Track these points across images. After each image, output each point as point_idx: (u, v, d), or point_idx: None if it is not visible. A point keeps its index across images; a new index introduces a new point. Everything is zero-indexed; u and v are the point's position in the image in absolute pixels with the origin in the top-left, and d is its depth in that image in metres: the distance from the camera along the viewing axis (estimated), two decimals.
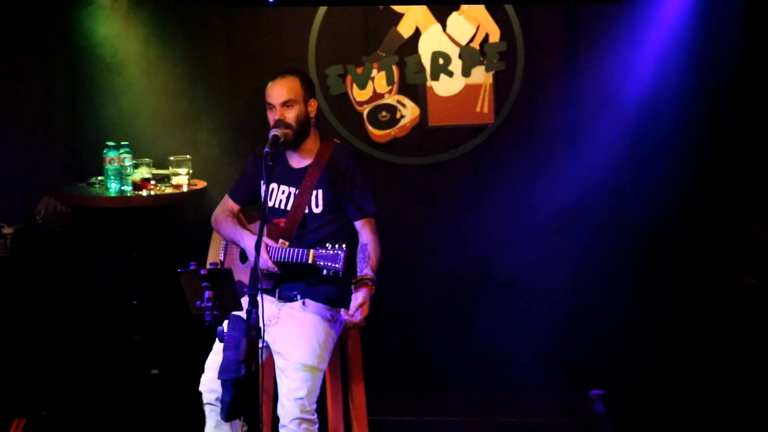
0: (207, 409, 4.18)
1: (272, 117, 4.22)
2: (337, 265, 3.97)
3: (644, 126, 5.31)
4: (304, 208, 4.22)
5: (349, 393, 4.51)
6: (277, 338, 4.16)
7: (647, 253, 5.38)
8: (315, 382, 4.10)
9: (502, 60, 5.37)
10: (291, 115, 4.21)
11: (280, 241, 4.20)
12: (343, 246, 3.97)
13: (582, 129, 5.37)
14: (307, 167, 4.27)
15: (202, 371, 4.20)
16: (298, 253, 4.09)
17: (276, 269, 4.16)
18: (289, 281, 4.22)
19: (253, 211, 4.46)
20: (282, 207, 4.27)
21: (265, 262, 4.10)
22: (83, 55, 5.36)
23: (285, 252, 4.13)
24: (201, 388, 4.18)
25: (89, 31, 5.34)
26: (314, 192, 4.23)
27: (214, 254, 4.53)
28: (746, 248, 5.00)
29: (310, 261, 4.04)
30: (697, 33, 5.21)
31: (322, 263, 4.00)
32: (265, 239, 4.13)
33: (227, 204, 4.45)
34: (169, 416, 5.21)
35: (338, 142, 4.34)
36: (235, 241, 4.37)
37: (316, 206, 4.23)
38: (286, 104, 4.21)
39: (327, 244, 4.01)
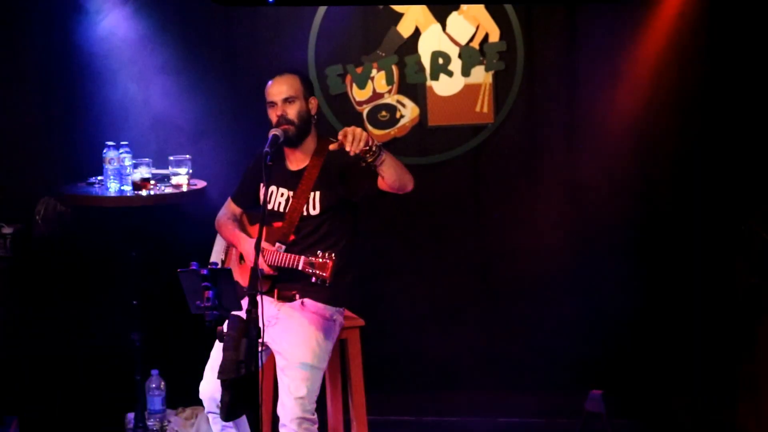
0: (210, 417, 4.19)
1: (274, 115, 4.23)
2: (324, 274, 3.97)
3: (644, 125, 5.31)
4: (301, 211, 4.23)
5: (349, 393, 4.51)
6: (277, 338, 4.16)
7: (647, 253, 5.38)
8: (315, 382, 4.11)
9: (501, 60, 5.37)
10: (293, 111, 4.23)
11: (277, 244, 4.20)
12: (333, 255, 3.97)
13: (581, 129, 5.37)
14: (303, 170, 4.27)
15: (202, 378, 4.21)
16: (290, 259, 4.11)
17: (271, 272, 4.18)
18: (288, 281, 4.22)
19: (257, 213, 4.46)
20: (280, 210, 4.27)
21: (261, 265, 4.10)
22: (83, 55, 5.36)
23: (278, 257, 4.14)
24: (201, 396, 4.19)
25: (89, 31, 5.33)
26: (312, 194, 4.23)
27: (217, 254, 4.55)
28: (746, 248, 5.00)
29: (300, 268, 4.05)
30: (697, 32, 5.21)
31: (311, 271, 4.00)
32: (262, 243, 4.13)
33: (230, 207, 4.48)
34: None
35: (335, 140, 4.34)
36: (233, 244, 4.39)
37: (314, 208, 4.23)
38: (287, 100, 4.22)
39: (318, 252, 4.00)
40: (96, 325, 5.35)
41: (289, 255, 4.12)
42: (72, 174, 5.29)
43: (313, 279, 4.00)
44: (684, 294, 5.35)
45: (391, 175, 4.01)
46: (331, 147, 3.96)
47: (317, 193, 4.23)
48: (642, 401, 5.36)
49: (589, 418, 4.94)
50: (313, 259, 4.00)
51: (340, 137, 3.87)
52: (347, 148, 3.85)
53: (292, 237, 4.23)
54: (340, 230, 4.25)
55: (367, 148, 3.89)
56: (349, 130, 3.87)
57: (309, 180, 4.24)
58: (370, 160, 3.93)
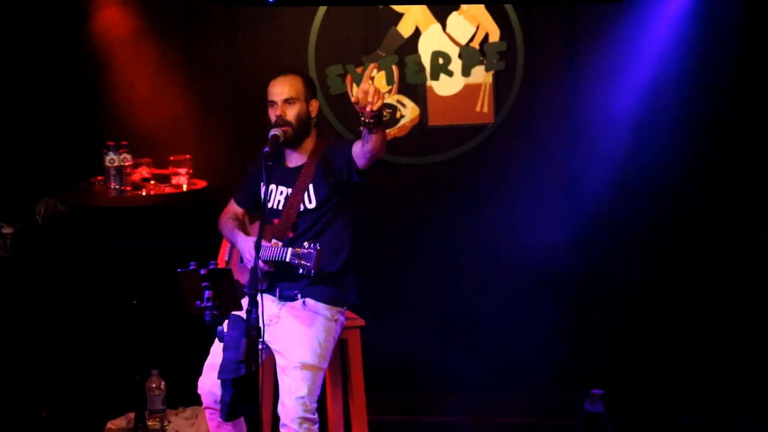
0: (207, 412, 4.19)
1: (273, 114, 4.23)
2: (308, 264, 3.97)
3: (644, 125, 5.31)
4: (298, 207, 4.23)
5: (349, 393, 4.52)
6: (278, 337, 4.16)
7: (647, 253, 5.38)
8: (316, 381, 4.11)
9: (502, 60, 5.37)
10: (292, 113, 4.23)
11: (273, 241, 4.20)
12: (317, 245, 3.97)
13: (582, 128, 5.37)
14: (301, 166, 4.28)
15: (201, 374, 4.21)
16: (278, 252, 4.10)
17: (267, 267, 4.17)
18: (289, 281, 4.22)
19: (259, 213, 4.47)
20: (279, 207, 4.28)
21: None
22: (83, 55, 5.36)
23: (269, 251, 4.14)
24: (199, 391, 4.19)
25: (89, 31, 5.34)
26: (307, 188, 4.24)
27: (222, 255, 4.56)
28: (746, 248, 5.00)
29: (287, 259, 4.04)
30: (697, 32, 5.21)
31: (297, 261, 4.00)
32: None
33: (232, 207, 4.49)
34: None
35: (331, 137, 4.35)
36: (233, 243, 4.39)
37: (310, 202, 4.24)
38: (287, 101, 4.23)
39: (304, 243, 4.01)
40: (96, 325, 5.35)
41: (277, 248, 4.12)
42: (72, 174, 5.29)
43: (300, 270, 4.00)
44: (684, 294, 5.35)
45: (380, 143, 3.98)
46: (353, 100, 3.81)
47: (311, 186, 4.24)
48: (642, 402, 5.36)
49: (589, 418, 4.94)
50: (300, 249, 4.00)
51: (360, 95, 3.76)
52: (369, 99, 3.75)
53: (290, 233, 4.23)
54: (337, 226, 4.25)
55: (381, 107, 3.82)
56: (370, 86, 3.76)
57: (306, 176, 4.24)
58: (372, 123, 3.86)
